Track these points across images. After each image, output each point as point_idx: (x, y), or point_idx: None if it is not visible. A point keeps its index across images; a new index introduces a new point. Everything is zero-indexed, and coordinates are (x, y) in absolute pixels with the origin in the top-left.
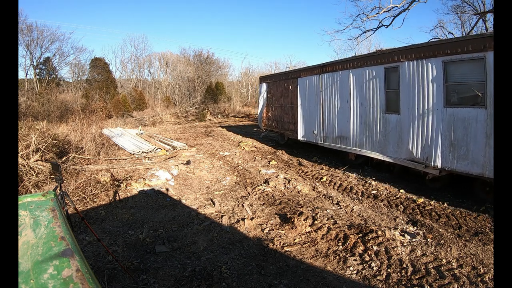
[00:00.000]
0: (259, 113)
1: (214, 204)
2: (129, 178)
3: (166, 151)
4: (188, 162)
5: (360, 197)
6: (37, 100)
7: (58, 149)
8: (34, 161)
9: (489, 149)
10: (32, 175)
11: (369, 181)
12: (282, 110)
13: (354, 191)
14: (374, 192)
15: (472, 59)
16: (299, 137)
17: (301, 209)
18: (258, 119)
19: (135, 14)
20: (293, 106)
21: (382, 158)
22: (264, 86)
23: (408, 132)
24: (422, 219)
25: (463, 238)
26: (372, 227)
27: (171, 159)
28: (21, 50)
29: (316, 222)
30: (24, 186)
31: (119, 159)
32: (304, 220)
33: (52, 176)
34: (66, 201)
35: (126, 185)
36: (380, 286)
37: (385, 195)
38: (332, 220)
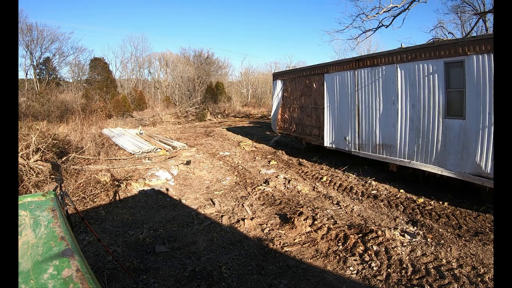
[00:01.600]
0: (272, 115)
1: (214, 204)
2: (129, 178)
3: (166, 151)
4: (188, 162)
5: (360, 197)
6: (37, 100)
7: (58, 149)
8: (34, 161)
9: None
10: (32, 175)
11: (369, 181)
12: (303, 112)
13: (354, 191)
14: (374, 192)
15: None
16: (326, 144)
17: (301, 209)
18: (271, 121)
19: (135, 14)
20: (318, 107)
21: (439, 172)
22: (279, 83)
23: (476, 141)
24: (422, 219)
25: (463, 238)
26: (372, 227)
27: (171, 159)
28: (21, 50)
29: (316, 222)
30: (24, 186)
31: (119, 159)
32: (304, 220)
33: (52, 176)
34: (66, 201)
35: (126, 185)
36: (380, 286)
37: (385, 195)
38: (332, 220)
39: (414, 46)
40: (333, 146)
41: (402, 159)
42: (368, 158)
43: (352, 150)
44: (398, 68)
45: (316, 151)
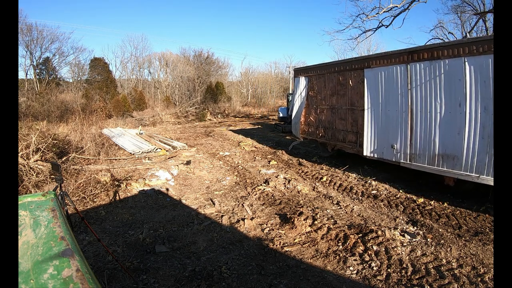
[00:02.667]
0: (293, 117)
1: (214, 204)
2: (129, 178)
3: (166, 151)
4: (188, 162)
5: (360, 197)
6: (37, 100)
7: (58, 149)
8: (34, 161)
9: None
10: (32, 175)
11: (369, 181)
12: (334, 114)
13: (354, 191)
14: (374, 192)
15: None
16: (366, 152)
17: (301, 209)
18: (292, 124)
19: (135, 14)
20: (355, 108)
21: None
22: (302, 80)
23: None
24: (422, 219)
25: (463, 238)
26: (372, 227)
27: (171, 159)
28: (21, 50)
29: (316, 222)
30: (24, 186)
31: (119, 159)
32: (304, 220)
33: (52, 176)
34: (66, 201)
35: (126, 185)
36: (380, 286)
37: (385, 195)
38: (332, 220)
39: (487, 36)
40: (375, 156)
41: (468, 173)
42: (421, 170)
43: (401, 160)
44: (466, 63)
45: (342, 158)
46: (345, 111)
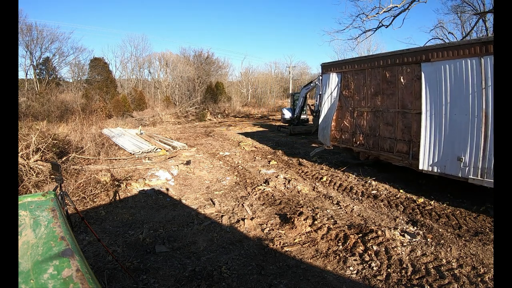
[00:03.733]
0: (321, 121)
1: (214, 204)
2: (129, 178)
3: (166, 151)
4: (188, 162)
5: (360, 197)
6: (37, 100)
7: (58, 149)
8: (34, 161)
9: None
10: (32, 175)
11: (369, 181)
12: (377, 118)
13: (354, 191)
14: (374, 192)
15: None
16: (423, 166)
17: (301, 209)
18: (319, 129)
19: (135, 14)
20: (408, 112)
21: None
22: (333, 77)
23: None
24: (422, 219)
25: (463, 238)
26: (372, 227)
27: (171, 159)
28: (21, 50)
29: (316, 222)
30: (24, 186)
31: (119, 159)
32: (304, 220)
33: (52, 176)
34: (66, 201)
35: (126, 185)
36: (380, 286)
37: (385, 195)
38: (332, 220)
39: None
40: (435, 170)
41: None
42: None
43: (471, 176)
44: None
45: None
46: (393, 114)
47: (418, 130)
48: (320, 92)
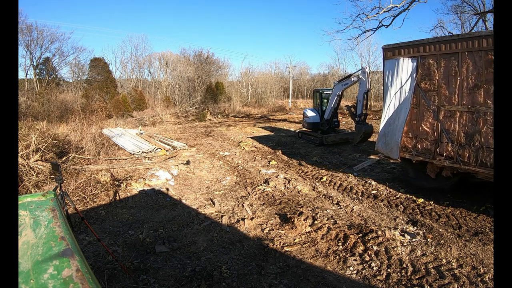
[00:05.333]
0: (384, 124)
1: (214, 204)
2: (129, 178)
3: (166, 151)
4: (188, 162)
5: (360, 197)
6: (37, 100)
7: (58, 149)
8: (34, 161)
9: None
10: (32, 175)
11: (369, 181)
12: (478, 121)
13: (354, 191)
14: (374, 192)
15: None
16: None
17: (301, 209)
18: (380, 135)
19: (135, 14)
20: None
21: None
22: (404, 65)
23: None
24: (422, 219)
25: (463, 238)
26: (372, 227)
27: (171, 159)
28: (21, 50)
29: (316, 222)
30: (24, 186)
31: (119, 159)
32: (304, 220)
33: (52, 176)
34: (66, 201)
35: (126, 185)
36: (380, 286)
37: (385, 195)
38: (332, 220)
39: None
40: None
41: None
42: None
43: None
44: None
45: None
46: None
47: None
48: (362, 89)
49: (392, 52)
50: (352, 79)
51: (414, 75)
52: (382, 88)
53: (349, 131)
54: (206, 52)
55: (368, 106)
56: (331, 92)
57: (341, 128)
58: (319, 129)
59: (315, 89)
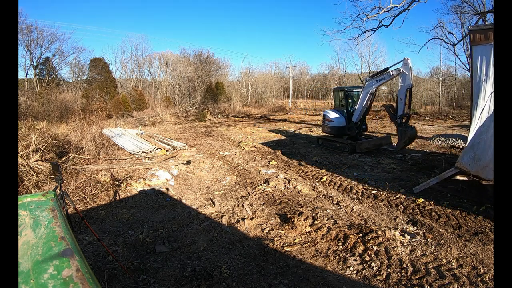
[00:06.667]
0: (475, 134)
1: (214, 204)
2: (129, 178)
3: (166, 151)
4: (188, 162)
5: (360, 197)
6: (37, 100)
7: (58, 149)
8: (34, 161)
9: None
10: (32, 175)
11: (369, 181)
12: None
13: (354, 191)
14: (374, 192)
15: None
16: None
17: (301, 209)
18: (468, 146)
19: (135, 14)
20: None
21: None
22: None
23: None
24: (422, 219)
25: (463, 238)
26: (372, 227)
27: (171, 159)
28: (21, 50)
29: (316, 222)
30: (24, 186)
31: (119, 159)
32: (304, 220)
33: (52, 176)
34: (66, 201)
35: (126, 185)
36: (380, 286)
37: (385, 195)
38: (332, 220)
39: None
40: None
41: None
42: None
43: None
44: None
45: None
46: None
47: None
48: (404, 85)
49: (484, 35)
50: (391, 73)
51: None
52: (470, 83)
53: (377, 136)
54: (206, 52)
55: (411, 104)
56: (359, 90)
57: (370, 134)
58: (346, 134)
59: (338, 87)
